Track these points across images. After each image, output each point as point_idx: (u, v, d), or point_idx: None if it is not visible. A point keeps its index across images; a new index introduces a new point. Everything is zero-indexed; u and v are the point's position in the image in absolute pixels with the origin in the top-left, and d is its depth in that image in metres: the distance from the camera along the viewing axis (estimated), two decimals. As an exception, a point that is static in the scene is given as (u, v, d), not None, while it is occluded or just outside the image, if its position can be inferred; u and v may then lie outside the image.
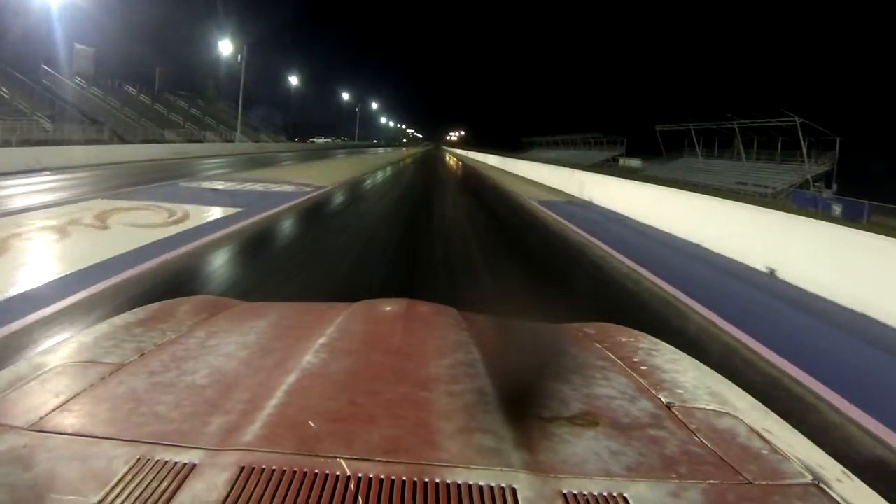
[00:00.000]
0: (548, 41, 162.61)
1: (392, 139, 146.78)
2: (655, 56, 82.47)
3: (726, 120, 33.50)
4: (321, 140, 71.88)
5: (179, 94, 45.24)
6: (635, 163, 50.36)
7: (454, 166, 35.67)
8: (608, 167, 43.06)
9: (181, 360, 0.92)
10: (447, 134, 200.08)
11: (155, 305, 1.28)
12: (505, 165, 31.09)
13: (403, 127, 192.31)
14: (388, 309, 1.29)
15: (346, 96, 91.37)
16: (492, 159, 38.23)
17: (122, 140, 27.16)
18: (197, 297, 1.51)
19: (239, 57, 32.34)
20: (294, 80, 65.83)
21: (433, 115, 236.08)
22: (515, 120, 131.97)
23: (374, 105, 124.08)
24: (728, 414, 0.83)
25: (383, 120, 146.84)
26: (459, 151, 73.64)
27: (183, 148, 26.26)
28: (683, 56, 70.81)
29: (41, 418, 0.70)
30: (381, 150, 72.30)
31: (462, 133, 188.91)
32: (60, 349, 0.95)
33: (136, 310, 1.21)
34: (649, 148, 48.32)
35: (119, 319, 1.13)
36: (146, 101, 39.29)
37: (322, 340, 0.97)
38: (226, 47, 47.44)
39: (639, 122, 52.00)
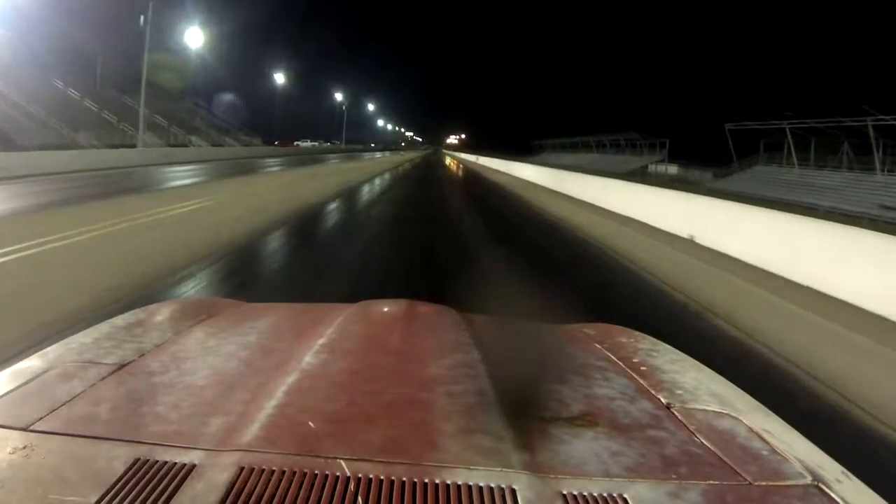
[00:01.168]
0: (560, 28, 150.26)
1: (390, 143, 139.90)
2: (708, 37, 67.11)
3: (853, 115, 22.08)
4: (307, 143, 63.49)
5: (138, 91, 37.44)
6: (672, 170, 42.13)
7: (481, 193, 18.42)
8: (644, 178, 34.81)
9: (181, 360, 0.92)
10: (447, 137, 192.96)
11: (155, 306, 1.27)
12: (567, 187, 16.54)
13: (402, 130, 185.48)
14: (388, 309, 1.27)
15: (339, 97, 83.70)
16: (528, 172, 23.71)
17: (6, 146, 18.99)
18: (197, 297, 1.55)
19: (142, 19, 23.70)
20: (280, 77, 58.17)
21: (432, 118, 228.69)
22: (523, 121, 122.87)
23: (371, 107, 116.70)
24: (728, 415, 0.82)
25: (381, 123, 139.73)
26: (464, 157, 61.80)
27: (59, 159, 17.53)
28: (755, 35, 57.48)
29: (41, 419, 0.70)
30: (378, 154, 64.54)
31: (463, 136, 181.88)
32: (60, 350, 0.94)
33: (136, 310, 1.20)
34: (693, 152, 40.14)
35: (119, 320, 1.13)
36: (75, 96, 31.15)
37: (322, 341, 0.97)
38: (195, 38, 38.91)
39: (682, 121, 43.71)
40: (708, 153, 39.43)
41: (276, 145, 51.28)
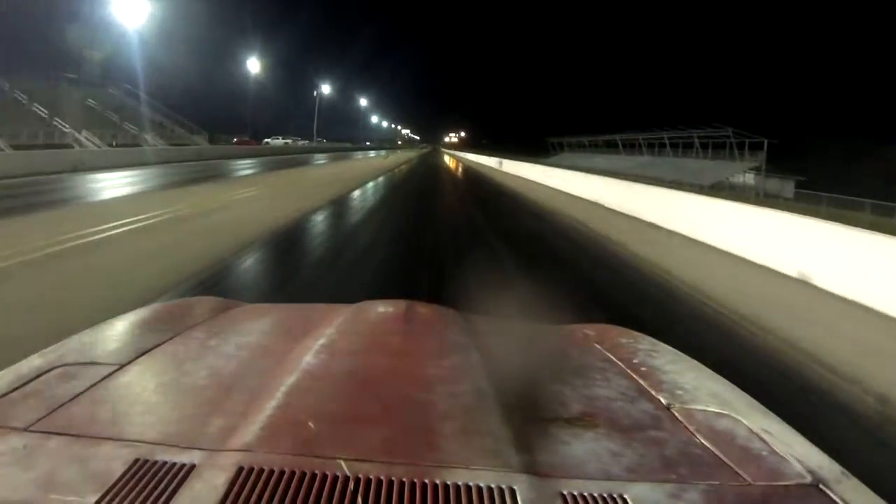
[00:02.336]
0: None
1: (384, 141, 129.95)
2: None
3: None
4: (279, 141, 52.49)
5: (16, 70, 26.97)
6: (747, 179, 31.76)
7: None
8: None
9: (181, 360, 0.92)
10: (445, 136, 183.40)
11: (155, 306, 1.27)
12: None
13: (398, 128, 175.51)
14: (388, 310, 1.26)
15: (326, 89, 73.60)
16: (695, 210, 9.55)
17: None
18: (197, 297, 1.49)
19: None
20: (254, 65, 47.95)
21: (430, 116, 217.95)
22: (536, 116, 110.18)
23: (364, 102, 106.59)
24: (728, 415, 0.82)
25: (375, 120, 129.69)
26: (473, 158, 49.23)
27: None
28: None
29: (41, 419, 0.70)
30: (372, 154, 53.33)
31: (462, 134, 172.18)
32: (60, 350, 0.94)
33: (136, 310, 1.20)
34: (789, 152, 29.88)
35: (119, 320, 1.12)
36: None
37: (322, 341, 0.96)
38: (129, 10, 28.01)
39: (782, 121, 32.85)
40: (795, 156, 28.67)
41: (235, 143, 40.97)
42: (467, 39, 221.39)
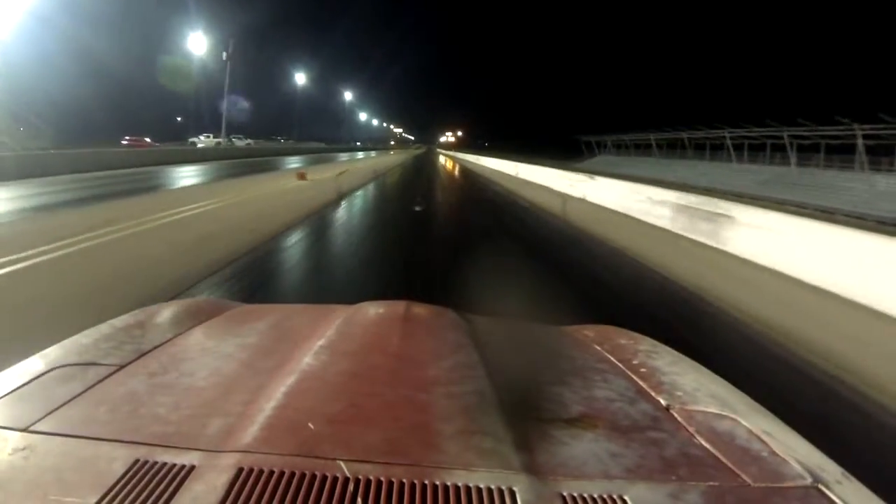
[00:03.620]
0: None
1: (377, 140, 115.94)
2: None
3: None
4: (211, 141, 38.89)
5: None
6: None
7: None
8: None
9: (180, 361, 0.92)
10: (441, 134, 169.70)
11: (154, 307, 1.26)
12: None
13: (391, 126, 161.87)
14: (388, 311, 1.25)
15: (301, 79, 60.05)
16: None
17: None
18: (196, 298, 1.49)
19: None
20: (200, 42, 34.50)
21: (424, 113, 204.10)
22: (558, 108, 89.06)
23: (349, 96, 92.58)
24: (728, 416, 0.83)
25: (364, 117, 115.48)
26: (495, 165, 28.33)
27: None
28: None
29: (40, 420, 0.70)
30: (348, 156, 38.41)
31: (459, 133, 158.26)
32: (59, 351, 0.94)
33: (135, 311, 1.20)
34: None
35: (118, 321, 1.12)
36: None
37: (321, 342, 0.96)
38: None
39: None
40: None
41: (126, 144, 27.90)
42: (467, 23, 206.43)
